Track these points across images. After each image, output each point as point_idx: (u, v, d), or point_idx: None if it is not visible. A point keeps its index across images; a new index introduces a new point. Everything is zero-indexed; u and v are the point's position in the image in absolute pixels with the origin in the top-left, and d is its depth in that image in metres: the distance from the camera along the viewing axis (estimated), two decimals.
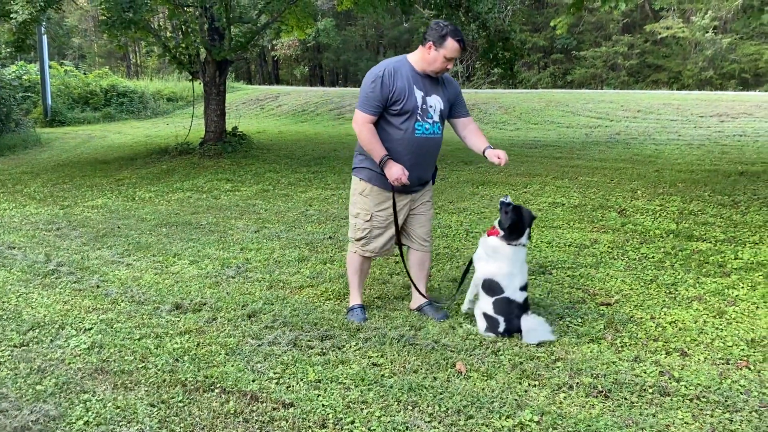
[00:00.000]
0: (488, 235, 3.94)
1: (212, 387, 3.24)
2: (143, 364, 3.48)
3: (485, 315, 3.83)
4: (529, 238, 3.90)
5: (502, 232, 3.83)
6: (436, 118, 3.91)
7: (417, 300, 4.28)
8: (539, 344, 3.68)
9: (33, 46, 17.00)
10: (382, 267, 5.24)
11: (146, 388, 3.22)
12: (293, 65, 41.55)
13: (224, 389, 3.22)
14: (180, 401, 3.10)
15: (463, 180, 9.13)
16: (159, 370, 3.42)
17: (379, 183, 3.96)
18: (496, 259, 3.84)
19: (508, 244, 3.81)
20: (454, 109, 4.07)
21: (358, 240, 4.10)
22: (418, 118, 3.82)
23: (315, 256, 5.56)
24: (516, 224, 3.78)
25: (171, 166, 11.11)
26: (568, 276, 4.96)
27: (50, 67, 21.31)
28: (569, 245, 5.77)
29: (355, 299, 4.24)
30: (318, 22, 32.89)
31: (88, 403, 3.08)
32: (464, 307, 4.07)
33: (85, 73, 24.80)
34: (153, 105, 23.70)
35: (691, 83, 30.32)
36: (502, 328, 3.77)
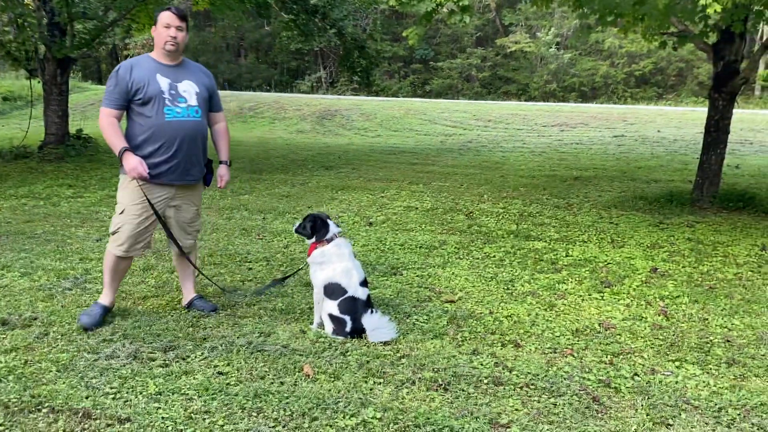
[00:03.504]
0: (309, 254, 4.10)
1: (39, 407, 3.01)
2: None
3: (331, 317, 3.88)
4: (338, 226, 4.14)
5: (315, 240, 4.06)
6: (192, 102, 3.97)
7: (187, 296, 4.34)
8: (386, 343, 3.79)
9: None
10: (234, 274, 5.14)
11: None
12: None
13: (53, 408, 3.00)
14: (0, 425, 2.85)
15: (323, 185, 9.19)
16: None
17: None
18: (328, 263, 3.96)
19: (327, 242, 4.01)
20: (211, 103, 4.18)
21: (113, 234, 4.04)
22: (167, 103, 3.88)
23: (162, 264, 5.34)
24: (316, 222, 4.05)
25: (5, 171, 10.18)
26: (417, 276, 5.15)
27: None
28: (420, 247, 6.00)
29: (103, 298, 4.11)
30: None
31: None
32: (314, 326, 4.09)
33: None
34: None
35: (537, 95, 32.60)
36: (349, 327, 3.84)
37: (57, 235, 6.25)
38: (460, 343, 3.86)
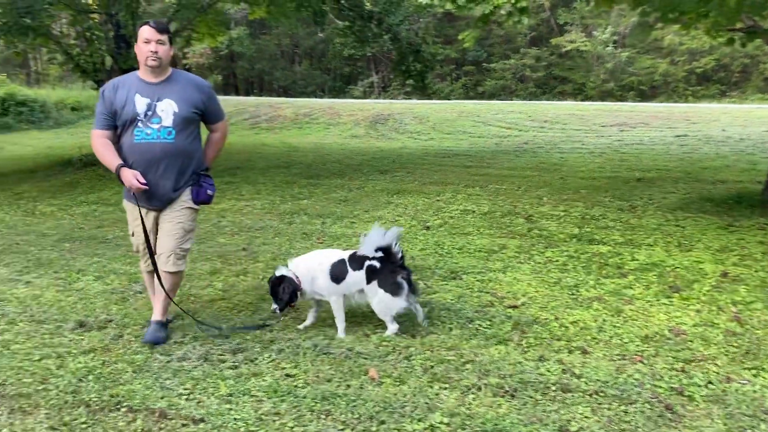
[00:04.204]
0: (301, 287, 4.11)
1: (118, 406, 3.14)
2: (43, 386, 3.33)
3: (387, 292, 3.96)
4: (282, 266, 4.18)
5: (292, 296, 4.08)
6: (167, 122, 3.84)
7: (153, 316, 4.16)
8: (450, 348, 3.78)
9: None
10: None
11: (46, 411, 3.08)
12: (206, 73, 40.63)
13: (131, 408, 3.12)
14: (83, 422, 2.99)
15: (379, 189, 9.22)
16: (61, 391, 3.28)
17: (128, 198, 4.00)
18: (314, 271, 4.08)
19: (297, 279, 4.08)
20: (205, 116, 4.08)
21: (136, 252, 4.20)
22: (139, 124, 3.81)
23: (228, 268, 5.47)
24: (281, 285, 4.03)
25: (75, 178, 10.63)
26: (477, 281, 5.11)
27: None
28: (479, 251, 5.96)
29: (155, 314, 4.06)
30: (231, 30, 32.35)
31: None
32: (341, 334, 4.08)
33: None
34: (56, 115, 22.58)
35: (594, 94, 31.88)
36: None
37: (126, 240, 6.45)
38: (526, 349, 3.81)
